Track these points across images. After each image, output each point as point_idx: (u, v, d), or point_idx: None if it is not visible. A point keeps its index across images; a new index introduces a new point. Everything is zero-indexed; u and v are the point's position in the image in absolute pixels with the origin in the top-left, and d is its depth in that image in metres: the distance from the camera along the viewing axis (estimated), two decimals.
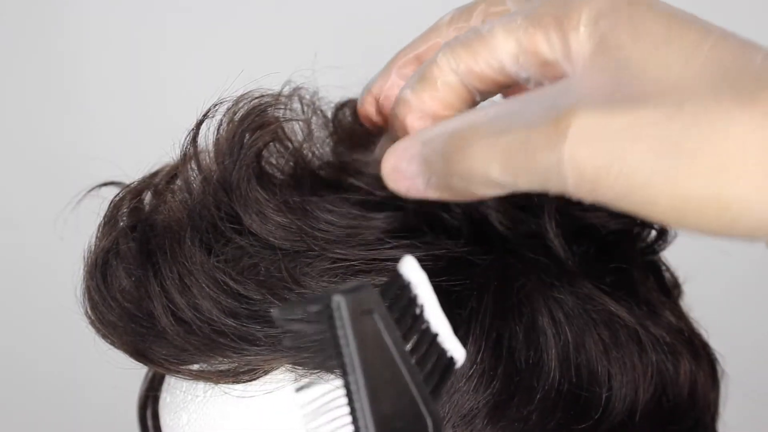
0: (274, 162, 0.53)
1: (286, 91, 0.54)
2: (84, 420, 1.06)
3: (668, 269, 0.59)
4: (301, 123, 0.55)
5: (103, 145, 0.96)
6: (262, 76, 0.53)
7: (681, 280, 0.60)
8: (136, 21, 0.96)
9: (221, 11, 0.96)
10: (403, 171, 0.41)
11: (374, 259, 0.49)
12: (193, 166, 0.54)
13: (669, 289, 0.58)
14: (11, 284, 1.06)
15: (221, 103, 0.52)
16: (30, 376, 1.09)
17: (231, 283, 0.48)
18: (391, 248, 0.49)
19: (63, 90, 1.00)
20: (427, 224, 0.50)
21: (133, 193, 0.53)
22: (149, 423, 0.62)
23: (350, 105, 0.56)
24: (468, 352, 0.47)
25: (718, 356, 0.57)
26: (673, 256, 0.59)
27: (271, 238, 0.49)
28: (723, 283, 0.79)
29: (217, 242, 0.50)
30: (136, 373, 0.59)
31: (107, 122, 0.98)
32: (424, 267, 0.49)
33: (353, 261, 0.49)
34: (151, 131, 0.55)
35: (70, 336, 0.57)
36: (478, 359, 0.47)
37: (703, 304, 0.60)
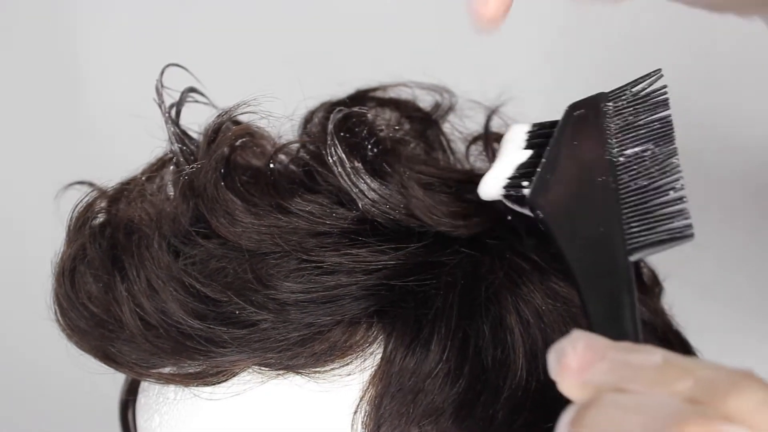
0: (243, 163, 0.54)
1: (258, 99, 0.54)
2: (85, 419, 1.07)
3: (646, 266, 0.59)
4: (271, 127, 0.55)
5: (92, 147, 0.97)
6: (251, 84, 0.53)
7: (661, 277, 0.60)
8: (124, 22, 0.97)
9: (217, 18, 0.97)
10: None
11: (341, 261, 0.49)
12: (169, 170, 0.55)
13: (647, 286, 0.58)
14: (11, 284, 1.07)
15: (172, 107, 0.53)
16: (30, 375, 1.10)
17: (198, 285, 0.48)
18: (358, 247, 0.49)
19: (63, 90, 1.01)
20: (394, 224, 0.50)
21: (103, 197, 0.54)
22: (131, 425, 0.62)
23: (320, 110, 0.57)
24: (433, 352, 0.47)
25: (697, 353, 0.57)
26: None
27: (238, 240, 0.49)
28: (702, 280, 0.78)
29: (185, 245, 0.50)
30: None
31: (97, 123, 0.99)
32: (392, 267, 0.49)
33: (320, 261, 0.49)
34: (144, 134, 0.55)
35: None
36: (444, 358, 0.47)
37: (684, 302, 0.59)
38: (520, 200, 0.47)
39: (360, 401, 0.47)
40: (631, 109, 0.48)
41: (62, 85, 1.00)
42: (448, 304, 0.48)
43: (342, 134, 0.51)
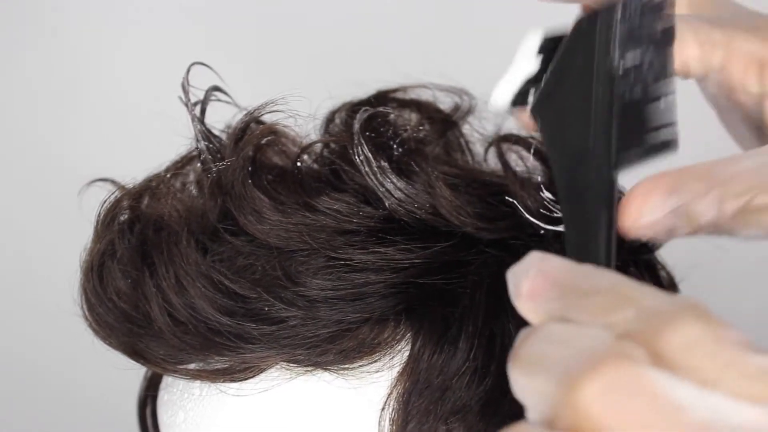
0: (269, 162, 0.54)
1: (284, 98, 0.55)
2: (85, 419, 1.06)
3: (664, 268, 0.59)
4: (297, 125, 0.55)
5: (108, 146, 0.98)
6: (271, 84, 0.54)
7: (677, 279, 0.60)
8: (149, 21, 0.97)
9: (226, 17, 0.97)
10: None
11: (369, 259, 0.49)
12: (193, 168, 0.55)
13: (665, 288, 0.58)
14: (11, 284, 1.07)
15: (196, 105, 0.53)
16: (30, 375, 1.10)
17: (226, 282, 0.48)
18: (385, 246, 0.49)
19: (62, 90, 1.01)
20: (420, 224, 0.51)
21: (130, 194, 0.54)
22: (149, 422, 0.63)
23: (342, 110, 0.57)
24: (460, 350, 0.48)
25: None
26: (669, 255, 0.59)
27: (266, 238, 0.50)
28: (719, 282, 0.79)
29: (213, 242, 0.50)
30: (137, 373, 0.59)
31: (111, 123, 0.99)
32: (419, 265, 0.49)
33: (348, 259, 0.49)
34: (160, 133, 0.56)
35: (71, 336, 0.58)
36: (471, 356, 0.48)
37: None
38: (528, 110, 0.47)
39: (388, 398, 0.48)
40: (637, 17, 0.45)
41: (86, 83, 1.01)
42: (475, 302, 0.49)
43: (368, 134, 0.52)
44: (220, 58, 0.59)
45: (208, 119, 0.55)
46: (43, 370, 1.10)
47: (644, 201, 0.40)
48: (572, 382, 0.32)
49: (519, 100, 0.47)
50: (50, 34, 0.99)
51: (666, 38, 0.45)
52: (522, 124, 0.48)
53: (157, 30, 0.97)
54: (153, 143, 0.54)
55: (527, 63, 0.48)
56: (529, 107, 0.46)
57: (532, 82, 0.47)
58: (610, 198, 0.41)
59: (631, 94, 0.43)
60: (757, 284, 0.81)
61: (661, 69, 0.44)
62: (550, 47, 0.48)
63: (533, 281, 0.36)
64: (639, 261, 0.56)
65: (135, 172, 0.57)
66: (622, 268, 0.55)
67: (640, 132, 0.43)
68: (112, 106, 0.99)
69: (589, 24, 0.46)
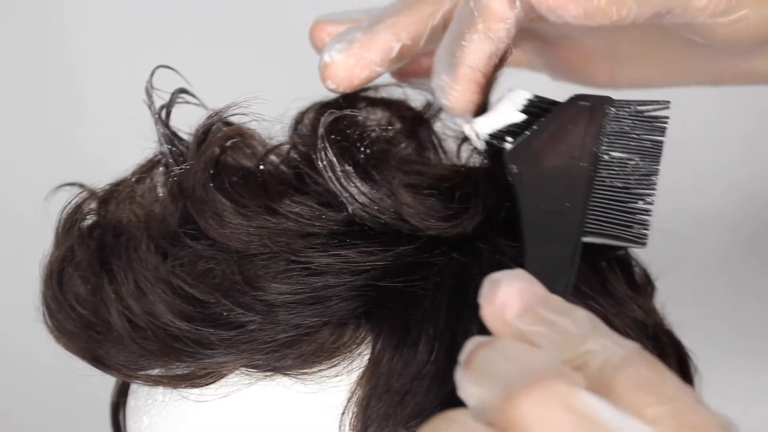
0: (235, 164, 0.54)
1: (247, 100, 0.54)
2: (75, 422, 1.07)
3: (638, 265, 0.59)
4: (263, 127, 0.55)
5: (83, 148, 0.98)
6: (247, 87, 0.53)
7: (653, 276, 0.60)
8: (115, 25, 0.97)
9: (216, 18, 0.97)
10: None
11: (329, 262, 0.49)
12: (158, 171, 0.55)
13: (639, 285, 0.58)
14: (10, 283, 1.07)
15: (162, 109, 0.53)
16: (28, 375, 1.10)
17: (185, 287, 0.48)
18: (346, 249, 0.49)
19: (53, 92, 1.01)
20: (383, 227, 0.50)
21: (92, 199, 0.54)
22: (122, 427, 0.62)
23: (311, 110, 0.56)
24: (420, 352, 0.47)
25: (690, 353, 0.57)
26: (646, 253, 0.59)
27: (227, 241, 0.49)
28: (696, 280, 0.78)
29: (174, 246, 0.50)
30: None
31: (89, 124, 0.99)
32: (380, 268, 0.49)
33: (308, 262, 0.49)
34: (135, 136, 0.55)
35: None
36: (432, 359, 0.47)
37: (677, 301, 0.59)
38: (498, 153, 0.50)
39: (347, 402, 0.47)
40: (631, 121, 0.51)
41: (53, 87, 1.01)
42: (436, 304, 0.48)
43: (333, 137, 0.51)
44: (187, 61, 0.59)
45: (180, 123, 0.55)
46: (35, 371, 1.10)
47: None
48: (511, 394, 0.35)
49: (495, 138, 0.51)
50: (54, 34, 0.99)
51: (654, 151, 0.50)
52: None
53: (124, 30, 0.96)
54: (121, 147, 0.54)
55: (510, 114, 0.51)
56: (507, 150, 0.50)
57: (513, 130, 0.51)
58: (573, 256, 0.46)
59: (612, 182, 0.48)
60: (730, 283, 0.80)
61: (646, 174, 0.49)
62: (537, 107, 0.51)
63: (510, 297, 0.39)
64: (612, 257, 0.56)
65: (103, 176, 0.57)
66: (593, 262, 0.54)
67: (614, 217, 0.48)
68: (86, 110, 0.99)
69: (584, 102, 0.51)
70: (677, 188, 0.62)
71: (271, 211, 0.50)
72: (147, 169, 0.55)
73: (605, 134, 0.50)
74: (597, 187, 0.48)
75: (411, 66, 0.57)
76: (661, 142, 0.50)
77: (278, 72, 0.59)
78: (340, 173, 0.50)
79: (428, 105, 0.60)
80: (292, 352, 0.47)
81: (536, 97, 0.52)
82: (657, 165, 0.49)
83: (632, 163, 0.49)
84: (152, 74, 0.54)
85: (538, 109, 0.52)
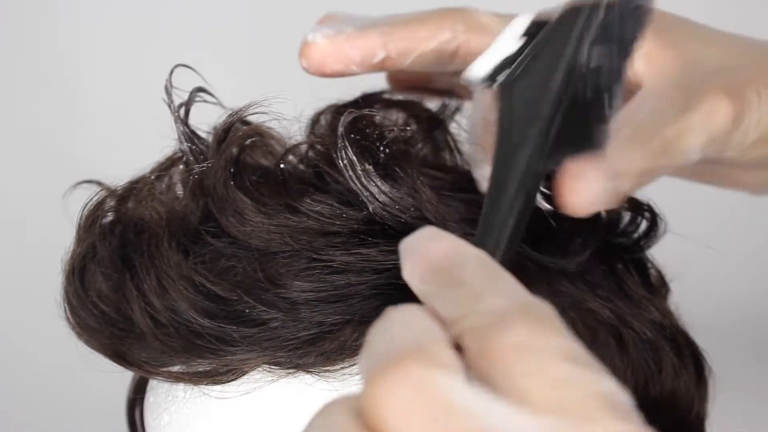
0: (254, 163, 0.54)
1: (268, 100, 0.54)
2: (82, 420, 1.07)
3: (654, 267, 0.59)
4: (282, 127, 0.55)
5: (99, 146, 0.98)
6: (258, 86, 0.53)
7: (668, 278, 0.60)
8: (135, 22, 0.97)
9: (222, 16, 0.97)
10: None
11: (350, 260, 0.49)
12: (178, 169, 0.55)
13: (654, 287, 0.58)
14: (10, 283, 1.07)
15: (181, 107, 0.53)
16: (28, 376, 1.10)
17: (208, 284, 0.48)
18: (367, 247, 0.49)
19: (60, 90, 1.01)
20: (404, 226, 0.50)
21: (112, 196, 0.54)
22: (138, 424, 0.62)
23: (327, 111, 0.57)
24: None
25: (705, 354, 0.57)
26: (660, 254, 0.59)
27: (248, 239, 0.49)
28: (712, 282, 0.78)
29: (195, 244, 0.50)
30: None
31: (104, 123, 0.99)
32: (397, 268, 0.49)
33: (330, 261, 0.49)
34: (149, 133, 0.56)
35: (67, 337, 0.58)
36: None
37: (692, 303, 0.59)
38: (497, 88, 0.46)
39: None
40: (620, 17, 0.45)
41: (71, 84, 1.01)
42: None
43: (352, 136, 0.51)
44: (208, 60, 0.59)
45: (197, 121, 0.55)
46: (46, 369, 1.10)
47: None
48: (370, 378, 0.31)
49: (491, 78, 0.47)
50: (32, 33, 0.99)
51: (631, 47, 0.45)
52: (484, 105, 0.47)
53: (142, 29, 0.97)
54: (141, 145, 0.54)
55: (510, 44, 0.48)
56: (495, 85, 0.46)
57: (508, 63, 0.47)
58: (532, 187, 0.42)
59: (584, 95, 0.43)
60: (747, 283, 0.80)
61: (616, 74, 0.44)
62: (535, 31, 0.47)
63: (414, 260, 0.37)
64: (628, 259, 0.56)
65: (124, 174, 0.57)
66: (609, 264, 0.54)
67: (579, 132, 0.43)
68: (101, 107, 0.99)
69: (571, 14, 0.45)
70: (691, 190, 0.63)
71: (291, 209, 0.50)
72: (166, 166, 0.55)
73: (588, 44, 0.44)
74: (566, 104, 0.43)
75: (405, 76, 0.57)
76: (639, 36, 0.45)
77: (295, 72, 0.59)
78: (360, 172, 0.50)
79: (444, 106, 0.60)
80: (315, 349, 0.47)
81: (537, 18, 0.47)
82: (629, 61, 0.44)
83: (606, 67, 0.44)
84: (171, 73, 0.55)
85: (536, 33, 0.47)
